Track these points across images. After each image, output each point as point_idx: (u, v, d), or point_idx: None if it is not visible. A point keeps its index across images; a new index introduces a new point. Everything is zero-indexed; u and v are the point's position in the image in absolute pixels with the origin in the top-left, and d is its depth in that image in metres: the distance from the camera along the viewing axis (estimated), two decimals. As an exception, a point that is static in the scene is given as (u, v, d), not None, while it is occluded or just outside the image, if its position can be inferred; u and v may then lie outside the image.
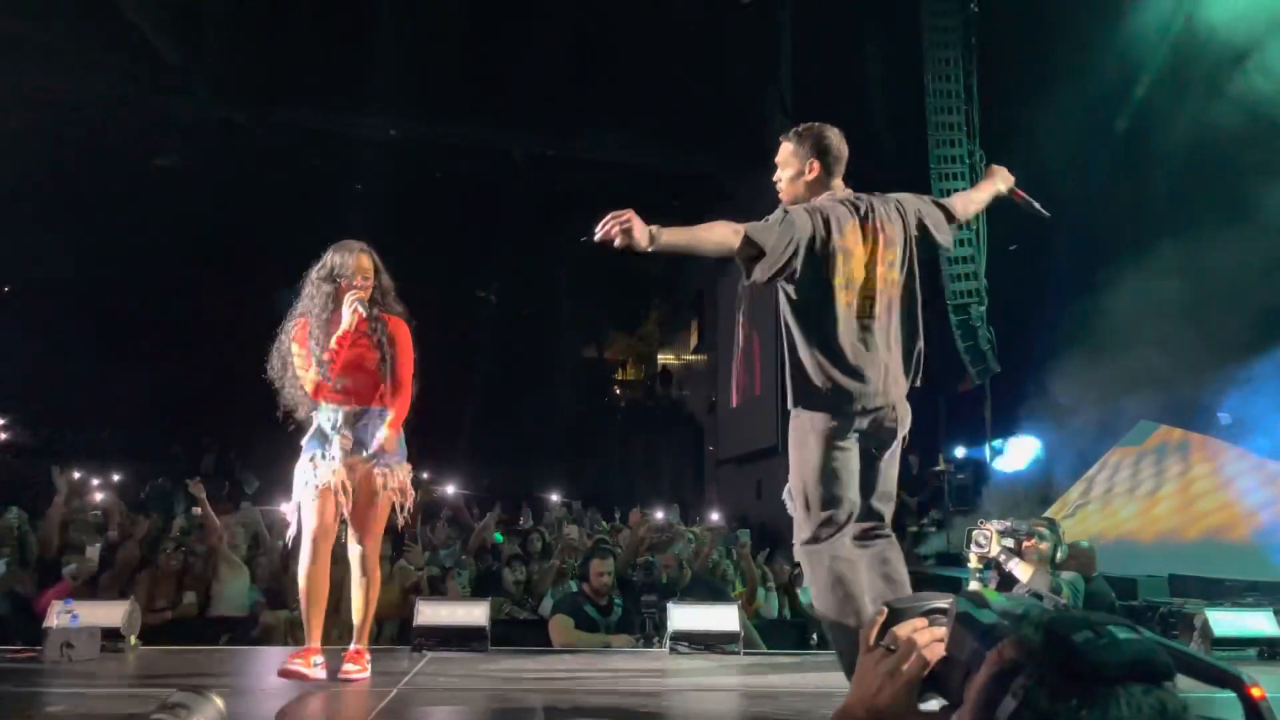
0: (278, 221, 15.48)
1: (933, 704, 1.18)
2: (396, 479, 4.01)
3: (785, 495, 3.20)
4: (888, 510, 3.19)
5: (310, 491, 3.97)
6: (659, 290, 26.18)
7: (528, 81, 13.62)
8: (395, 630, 5.86)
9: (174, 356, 16.30)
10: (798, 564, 3.27)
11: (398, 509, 4.05)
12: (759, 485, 14.61)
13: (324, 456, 3.99)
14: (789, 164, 3.29)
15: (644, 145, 15.04)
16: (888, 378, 3.11)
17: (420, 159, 15.83)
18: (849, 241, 3.10)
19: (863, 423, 3.06)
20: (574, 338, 23.62)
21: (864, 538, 3.12)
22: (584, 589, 5.61)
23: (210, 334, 15.88)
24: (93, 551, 6.20)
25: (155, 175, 15.32)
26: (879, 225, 3.17)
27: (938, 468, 11.75)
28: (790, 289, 3.11)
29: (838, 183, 3.25)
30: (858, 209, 3.18)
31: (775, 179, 3.36)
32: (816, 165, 3.21)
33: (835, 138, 3.25)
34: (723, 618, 4.84)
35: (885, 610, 1.22)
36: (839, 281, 3.07)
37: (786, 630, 6.49)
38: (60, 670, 3.86)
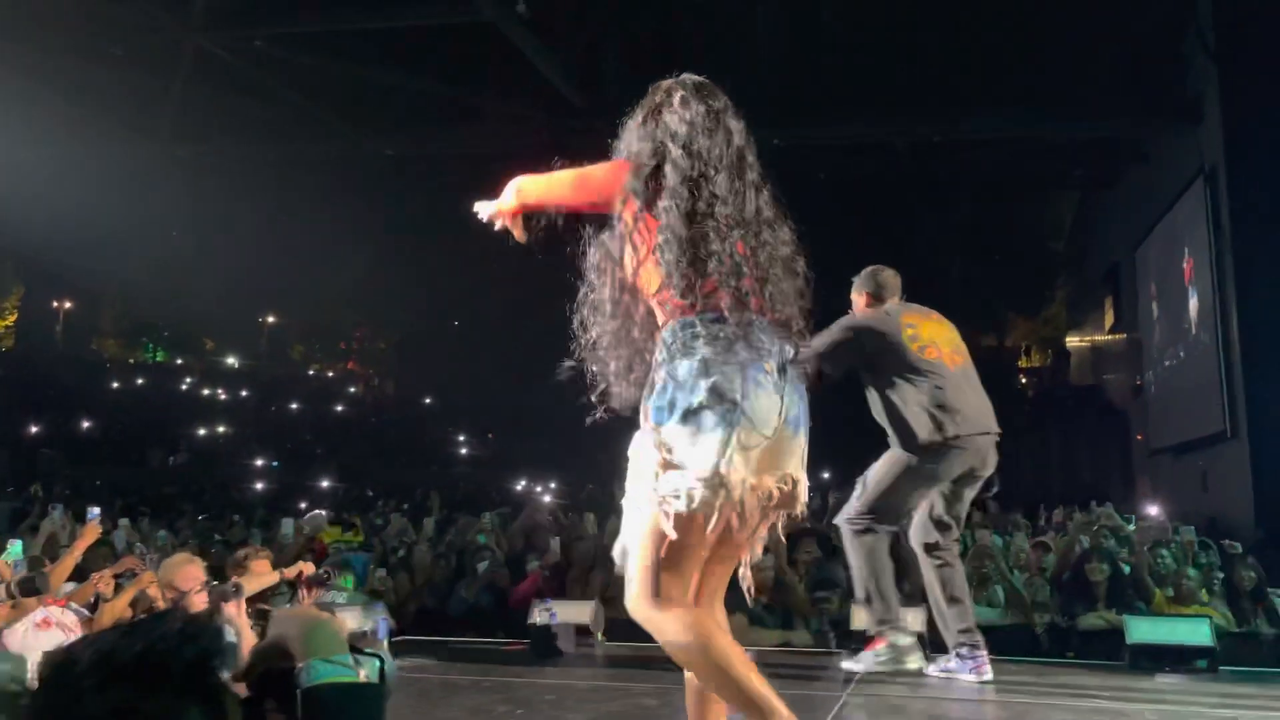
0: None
1: None
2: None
3: (859, 482, 4.11)
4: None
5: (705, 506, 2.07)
6: (1065, 269, 24.23)
7: (910, 68, 13.25)
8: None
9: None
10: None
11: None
12: (1204, 477, 12.96)
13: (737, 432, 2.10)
14: (856, 301, 4.33)
15: (1037, 116, 13.90)
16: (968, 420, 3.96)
17: (803, 162, 15.98)
18: (911, 319, 4.10)
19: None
20: (971, 325, 22.52)
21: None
22: None
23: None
24: (555, 545, 7.02)
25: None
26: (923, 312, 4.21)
27: None
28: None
29: (891, 303, 4.24)
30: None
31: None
32: (867, 296, 4.28)
33: (889, 275, 4.28)
34: (1191, 631, 4.41)
35: None
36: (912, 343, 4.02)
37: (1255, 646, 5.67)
38: (547, 662, 4.38)
